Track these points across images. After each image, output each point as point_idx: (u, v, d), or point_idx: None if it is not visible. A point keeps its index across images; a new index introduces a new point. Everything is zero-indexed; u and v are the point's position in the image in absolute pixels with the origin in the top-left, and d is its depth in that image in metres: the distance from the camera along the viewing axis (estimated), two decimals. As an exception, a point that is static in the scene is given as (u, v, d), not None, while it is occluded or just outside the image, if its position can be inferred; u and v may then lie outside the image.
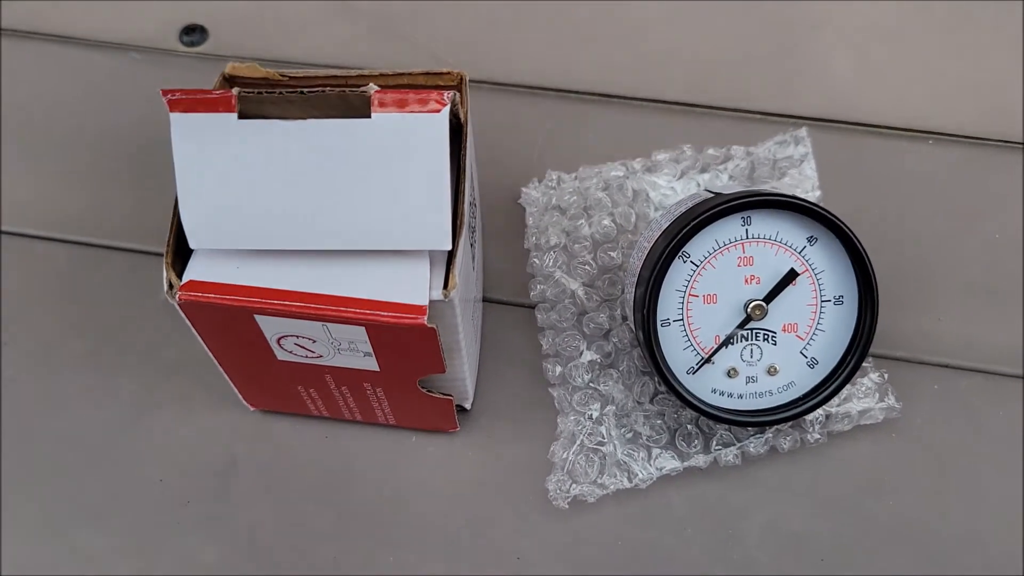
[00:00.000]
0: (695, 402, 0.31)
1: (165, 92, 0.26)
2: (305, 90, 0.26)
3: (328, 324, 0.27)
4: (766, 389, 0.32)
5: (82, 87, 0.43)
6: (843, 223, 0.29)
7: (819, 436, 0.33)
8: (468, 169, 0.29)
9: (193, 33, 0.44)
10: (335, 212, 0.26)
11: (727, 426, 0.33)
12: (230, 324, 0.28)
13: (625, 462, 0.33)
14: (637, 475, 0.32)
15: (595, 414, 0.34)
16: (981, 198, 0.39)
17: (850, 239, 0.30)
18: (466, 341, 0.30)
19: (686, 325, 0.31)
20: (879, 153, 0.40)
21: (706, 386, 0.32)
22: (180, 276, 0.27)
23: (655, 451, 0.33)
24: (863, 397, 0.33)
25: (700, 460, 0.33)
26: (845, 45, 0.43)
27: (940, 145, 0.40)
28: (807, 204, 0.29)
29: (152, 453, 0.34)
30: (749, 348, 0.31)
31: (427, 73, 0.29)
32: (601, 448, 0.33)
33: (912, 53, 0.43)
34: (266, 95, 0.25)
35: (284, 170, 0.26)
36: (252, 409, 0.35)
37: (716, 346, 0.31)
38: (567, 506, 0.32)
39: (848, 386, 0.32)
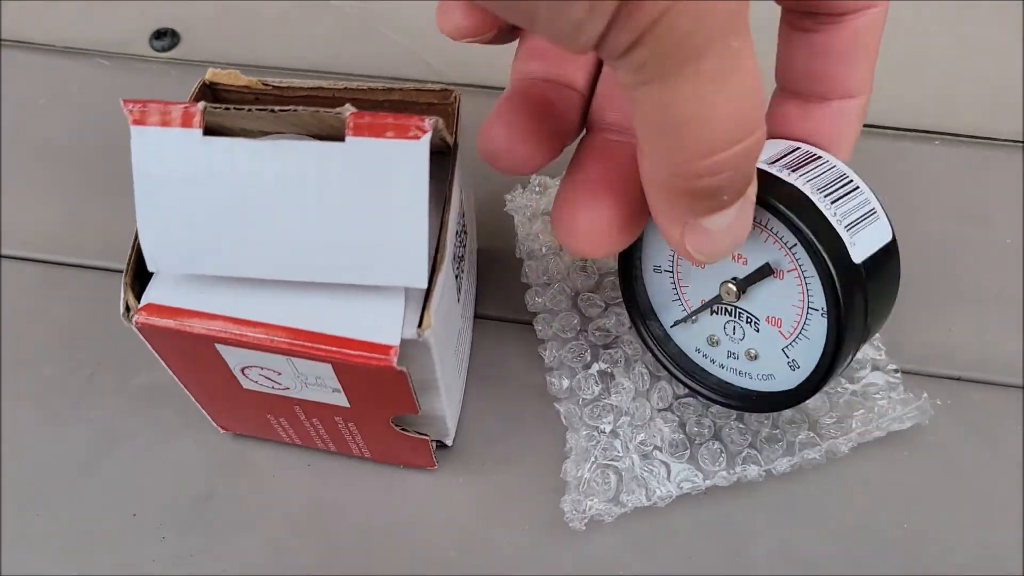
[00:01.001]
0: (673, 352, 0.31)
1: (127, 102, 0.24)
2: (277, 108, 0.24)
3: (293, 359, 0.25)
4: (746, 371, 0.30)
5: (47, 95, 0.41)
6: (811, 237, 0.26)
7: (845, 450, 0.32)
8: (456, 196, 0.27)
9: (164, 37, 0.42)
10: (304, 241, 0.24)
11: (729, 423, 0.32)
12: (191, 350, 0.26)
13: (644, 477, 0.31)
14: (656, 492, 0.31)
15: (609, 427, 0.32)
16: (991, 201, 0.37)
17: (820, 256, 0.26)
18: (445, 378, 0.28)
19: (675, 277, 0.30)
20: (883, 155, 0.39)
21: (691, 344, 0.31)
22: (140, 298, 0.26)
23: (675, 468, 0.31)
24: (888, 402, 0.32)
25: (722, 478, 0.31)
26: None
27: (947, 146, 0.39)
28: (779, 208, 0.26)
29: (124, 485, 0.32)
30: (732, 324, 0.30)
31: (420, 89, 0.27)
32: (616, 463, 0.31)
33: (915, 51, 0.41)
34: (235, 111, 0.24)
35: (251, 193, 0.24)
36: (222, 432, 0.33)
37: (699, 307, 0.30)
38: (584, 527, 0.30)
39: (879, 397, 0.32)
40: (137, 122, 0.24)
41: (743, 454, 0.32)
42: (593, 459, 0.31)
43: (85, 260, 0.37)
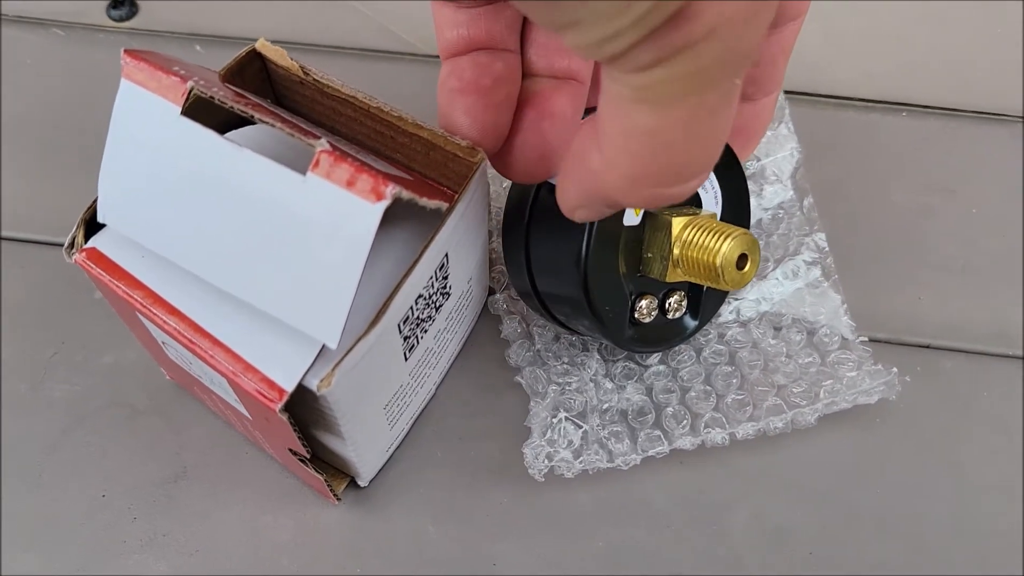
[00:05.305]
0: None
1: (126, 53, 0.23)
2: (256, 117, 0.23)
3: (198, 359, 0.25)
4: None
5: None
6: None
7: (812, 421, 0.32)
8: (430, 259, 0.25)
9: (121, 7, 0.41)
10: (240, 254, 0.23)
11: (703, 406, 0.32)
12: (120, 306, 0.26)
13: (605, 439, 0.31)
14: (618, 455, 0.31)
15: (576, 384, 0.32)
16: (957, 172, 0.38)
17: None
18: (357, 431, 0.27)
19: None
20: (851, 126, 0.39)
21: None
22: (88, 238, 0.26)
23: (641, 433, 0.31)
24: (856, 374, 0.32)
25: (687, 442, 0.31)
26: (814, 15, 0.41)
27: (914, 117, 0.39)
28: None
29: (92, 466, 0.32)
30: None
31: (447, 138, 0.26)
32: (583, 424, 0.31)
33: (882, 23, 0.42)
34: (217, 103, 0.23)
35: (205, 188, 0.23)
36: (168, 378, 0.33)
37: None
38: (542, 479, 0.30)
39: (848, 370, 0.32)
40: (127, 76, 0.23)
41: (706, 417, 0.32)
42: (561, 416, 0.31)
43: (45, 236, 0.36)
